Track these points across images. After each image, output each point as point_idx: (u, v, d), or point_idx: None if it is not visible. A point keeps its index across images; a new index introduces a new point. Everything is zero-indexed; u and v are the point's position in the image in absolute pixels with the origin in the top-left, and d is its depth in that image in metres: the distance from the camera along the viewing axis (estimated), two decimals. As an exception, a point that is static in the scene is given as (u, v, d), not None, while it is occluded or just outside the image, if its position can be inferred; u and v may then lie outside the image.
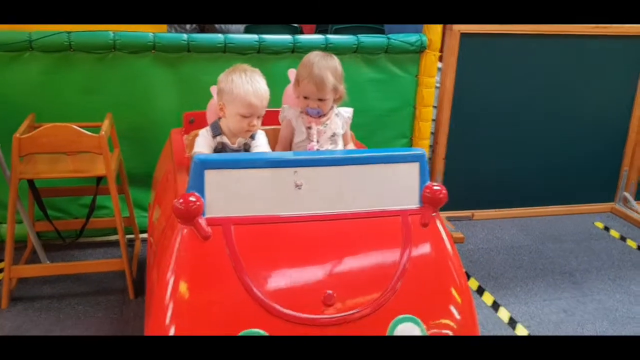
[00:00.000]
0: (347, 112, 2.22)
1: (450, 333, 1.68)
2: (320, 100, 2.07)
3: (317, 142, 2.13)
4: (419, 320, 1.64)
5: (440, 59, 3.31)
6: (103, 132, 2.40)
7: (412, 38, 3.20)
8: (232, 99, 1.93)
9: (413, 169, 1.80)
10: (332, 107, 2.17)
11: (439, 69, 3.35)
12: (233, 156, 1.79)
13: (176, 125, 2.63)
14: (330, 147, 2.17)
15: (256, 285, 1.59)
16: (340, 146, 2.21)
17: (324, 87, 2.04)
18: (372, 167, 1.76)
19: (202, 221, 1.63)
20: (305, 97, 2.08)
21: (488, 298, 2.78)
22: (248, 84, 1.92)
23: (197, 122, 2.45)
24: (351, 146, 2.30)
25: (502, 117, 3.49)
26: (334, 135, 2.16)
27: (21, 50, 2.72)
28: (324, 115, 2.13)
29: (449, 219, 3.55)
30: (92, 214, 2.71)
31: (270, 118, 2.28)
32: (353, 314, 1.61)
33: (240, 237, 1.65)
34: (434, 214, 1.81)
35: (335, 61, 2.09)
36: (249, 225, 1.67)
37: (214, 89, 2.16)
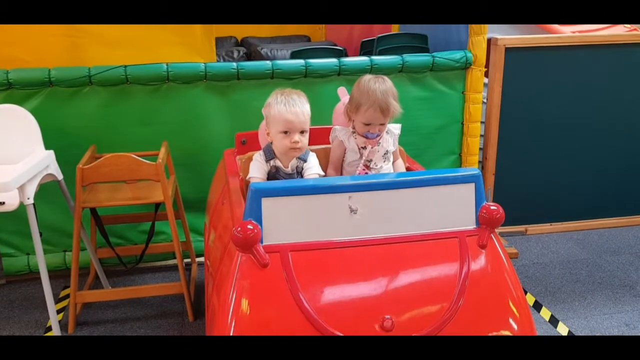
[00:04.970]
0: (397, 128, 2.26)
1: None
2: (381, 124, 2.12)
3: (371, 161, 2.17)
4: None
5: (486, 74, 3.31)
6: (160, 160, 2.50)
7: (457, 55, 3.22)
8: (272, 119, 2.05)
9: (469, 189, 1.79)
10: None
11: (486, 85, 3.35)
12: (288, 183, 1.82)
13: (228, 150, 2.71)
14: (383, 164, 2.20)
15: (315, 311, 1.59)
16: (391, 162, 2.24)
17: (388, 113, 2.09)
18: (426, 189, 1.76)
19: (260, 249, 1.66)
20: (367, 124, 2.11)
21: (546, 313, 2.73)
22: (281, 104, 2.03)
23: (249, 143, 2.51)
24: (400, 162, 2.33)
25: (551, 130, 3.45)
26: (386, 152, 2.20)
27: (81, 86, 2.86)
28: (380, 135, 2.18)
29: (502, 234, 3.51)
30: (151, 239, 2.80)
31: (320, 136, 2.33)
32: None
33: (297, 263, 1.66)
34: (491, 235, 1.80)
35: (390, 83, 2.13)
36: (306, 251, 1.69)
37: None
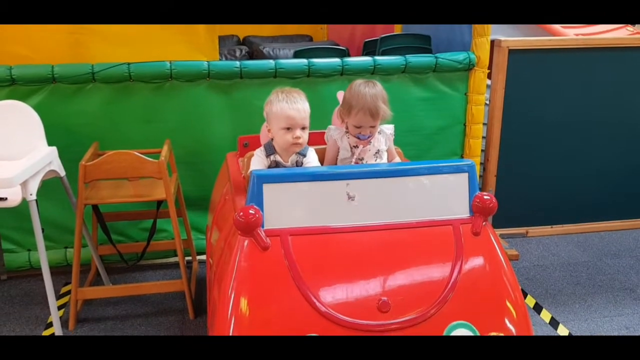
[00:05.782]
0: (389, 129, 2.31)
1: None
2: (372, 127, 2.18)
3: (362, 159, 2.23)
4: (474, 327, 1.67)
5: (489, 75, 3.31)
6: (162, 158, 2.50)
7: (460, 56, 3.22)
8: (273, 116, 2.09)
9: (462, 179, 1.87)
10: None
11: (488, 86, 3.35)
12: (289, 171, 1.90)
13: (231, 149, 2.72)
14: (375, 162, 2.24)
15: (313, 292, 1.66)
16: (384, 161, 2.29)
17: (378, 116, 2.15)
18: (422, 178, 1.84)
19: (261, 232, 1.73)
20: (358, 127, 2.17)
21: (546, 315, 2.74)
22: (283, 101, 2.07)
23: (251, 146, 2.53)
24: (398, 160, 2.37)
25: (554, 132, 3.45)
26: (378, 151, 2.25)
27: (84, 82, 2.86)
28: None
29: (502, 236, 3.51)
30: (153, 236, 2.80)
31: (317, 139, 2.36)
32: (408, 320, 1.66)
33: (297, 247, 1.73)
34: (484, 223, 1.86)
35: (380, 87, 2.20)
36: (305, 235, 1.76)
37: None
